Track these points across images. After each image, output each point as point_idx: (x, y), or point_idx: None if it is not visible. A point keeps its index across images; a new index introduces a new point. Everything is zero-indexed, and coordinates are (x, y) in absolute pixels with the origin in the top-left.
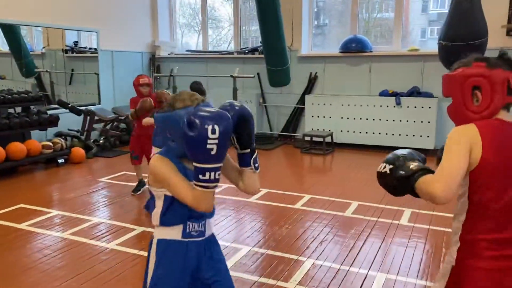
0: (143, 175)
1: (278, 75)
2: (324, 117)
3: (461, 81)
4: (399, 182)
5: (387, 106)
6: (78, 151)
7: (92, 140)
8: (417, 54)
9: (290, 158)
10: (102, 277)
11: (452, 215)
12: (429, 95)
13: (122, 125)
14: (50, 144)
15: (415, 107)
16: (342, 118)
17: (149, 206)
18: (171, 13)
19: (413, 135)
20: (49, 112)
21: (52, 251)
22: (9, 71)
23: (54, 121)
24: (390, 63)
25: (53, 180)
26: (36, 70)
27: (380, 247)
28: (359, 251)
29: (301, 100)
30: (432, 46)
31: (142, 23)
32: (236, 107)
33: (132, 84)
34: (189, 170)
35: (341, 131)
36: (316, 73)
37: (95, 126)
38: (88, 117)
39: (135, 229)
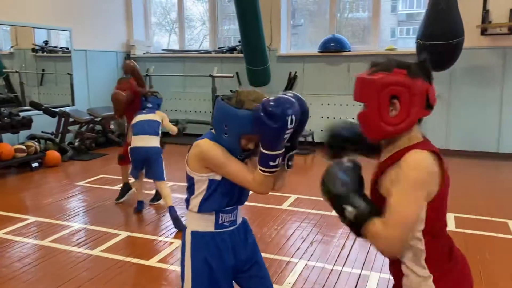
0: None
1: (258, 74)
2: None
3: (379, 88)
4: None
5: None
6: (53, 154)
7: (66, 143)
8: (395, 53)
9: None
10: (89, 285)
11: (448, 214)
12: None
13: (98, 127)
14: (24, 147)
15: None
16: (322, 117)
17: (139, 207)
18: (146, 11)
19: None
20: (21, 114)
21: (33, 260)
22: None
23: (27, 123)
24: (368, 62)
25: (27, 185)
26: (4, 70)
27: (370, 246)
28: (350, 250)
29: None
30: (401, 46)
31: (116, 22)
32: (294, 98)
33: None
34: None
35: (321, 130)
36: (295, 72)
37: (69, 128)
38: (63, 119)
39: (119, 235)
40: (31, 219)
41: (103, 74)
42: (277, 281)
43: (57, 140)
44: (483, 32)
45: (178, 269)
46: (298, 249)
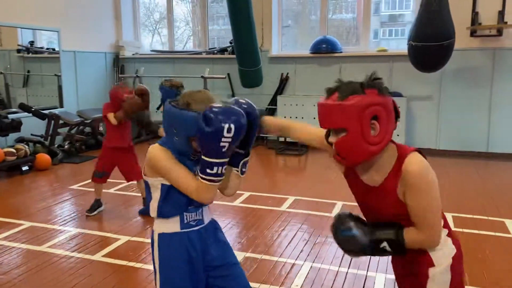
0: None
1: (251, 76)
2: (296, 117)
3: (359, 112)
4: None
5: None
6: (44, 158)
7: (56, 146)
8: (386, 54)
9: (266, 160)
10: None
11: (445, 213)
12: (398, 94)
13: (87, 129)
14: (13, 150)
15: None
16: (314, 118)
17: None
18: (135, 12)
19: None
20: (9, 116)
21: (32, 266)
22: None
23: (17, 126)
24: (359, 63)
25: (19, 189)
26: None
27: None
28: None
29: (273, 101)
30: (385, 47)
31: (105, 23)
32: (244, 106)
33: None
34: (188, 162)
35: None
36: (287, 73)
37: (59, 130)
38: (53, 121)
39: (119, 239)
40: (26, 224)
41: (92, 75)
42: (284, 284)
43: (47, 142)
44: (473, 33)
45: None
46: (301, 251)
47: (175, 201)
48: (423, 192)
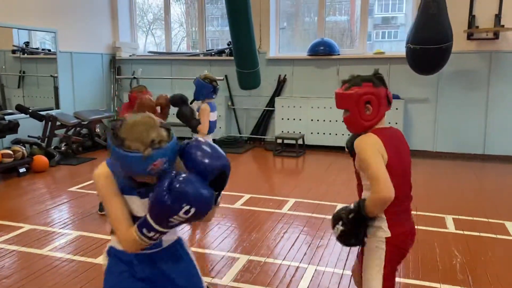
0: None
1: (249, 77)
2: (294, 119)
3: (356, 99)
4: (355, 224)
5: None
6: (41, 159)
7: (53, 147)
8: (383, 57)
9: (264, 162)
10: None
11: (445, 215)
12: (395, 97)
13: (84, 131)
14: (10, 152)
15: None
16: (312, 120)
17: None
18: (132, 13)
19: None
20: (6, 118)
21: (35, 270)
22: None
23: (14, 127)
24: (357, 65)
25: (17, 191)
26: None
27: None
28: (357, 255)
29: (270, 103)
30: (379, 49)
31: (102, 24)
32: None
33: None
34: (130, 185)
35: (311, 133)
36: (285, 75)
37: (56, 132)
38: (50, 123)
39: None
40: (26, 227)
41: (89, 76)
42: None
43: (44, 144)
44: (469, 36)
45: None
46: (305, 254)
47: None
48: (361, 153)
